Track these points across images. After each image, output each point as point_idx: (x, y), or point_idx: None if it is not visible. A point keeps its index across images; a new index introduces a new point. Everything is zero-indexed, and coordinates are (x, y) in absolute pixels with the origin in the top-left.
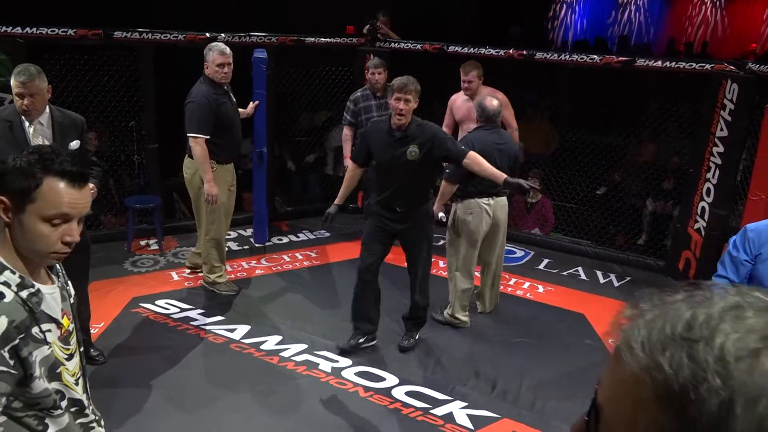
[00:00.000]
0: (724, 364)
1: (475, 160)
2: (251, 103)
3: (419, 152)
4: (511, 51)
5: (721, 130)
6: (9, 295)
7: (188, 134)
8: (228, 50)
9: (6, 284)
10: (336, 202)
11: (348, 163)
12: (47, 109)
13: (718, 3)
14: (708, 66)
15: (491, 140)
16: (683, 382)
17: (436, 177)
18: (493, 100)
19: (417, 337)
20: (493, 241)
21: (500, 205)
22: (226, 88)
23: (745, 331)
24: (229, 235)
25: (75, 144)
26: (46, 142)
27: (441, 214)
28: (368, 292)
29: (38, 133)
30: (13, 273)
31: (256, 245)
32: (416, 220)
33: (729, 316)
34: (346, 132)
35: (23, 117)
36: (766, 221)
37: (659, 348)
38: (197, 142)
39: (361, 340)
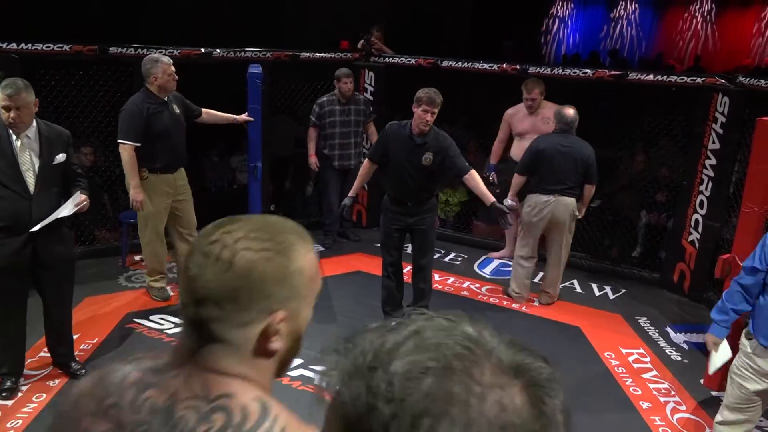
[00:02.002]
0: (392, 387)
1: (474, 177)
2: (245, 114)
3: (433, 159)
4: (504, 65)
5: (713, 143)
6: None
7: (117, 140)
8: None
9: None
10: (350, 194)
11: (313, 160)
12: (34, 123)
13: (708, 17)
14: (699, 80)
15: (557, 141)
16: (360, 411)
17: (443, 179)
18: (570, 109)
19: None
20: (551, 238)
21: (562, 204)
22: (166, 99)
23: (421, 350)
24: None
25: (61, 157)
26: (34, 156)
27: (509, 202)
28: (394, 281)
29: (25, 146)
30: None
31: None
32: (424, 212)
33: (411, 339)
34: (311, 132)
35: (10, 130)
36: None
37: (346, 379)
38: (124, 148)
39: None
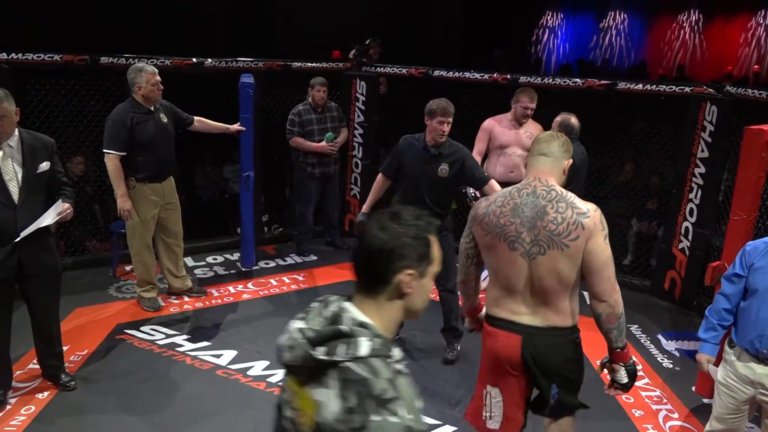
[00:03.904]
0: None
1: (494, 188)
2: (237, 124)
3: (449, 170)
4: (495, 75)
5: (702, 151)
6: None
7: (102, 149)
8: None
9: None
10: (363, 210)
11: (323, 144)
12: (16, 132)
13: (696, 27)
14: (687, 89)
15: (580, 151)
16: None
17: (457, 193)
18: (573, 117)
19: (458, 348)
20: None
21: None
22: (153, 108)
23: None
24: (216, 259)
25: (45, 166)
26: (17, 165)
27: None
28: None
29: (8, 156)
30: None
31: (243, 269)
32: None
33: None
34: (299, 139)
35: None
36: (766, 238)
37: None
38: (108, 158)
39: (396, 336)
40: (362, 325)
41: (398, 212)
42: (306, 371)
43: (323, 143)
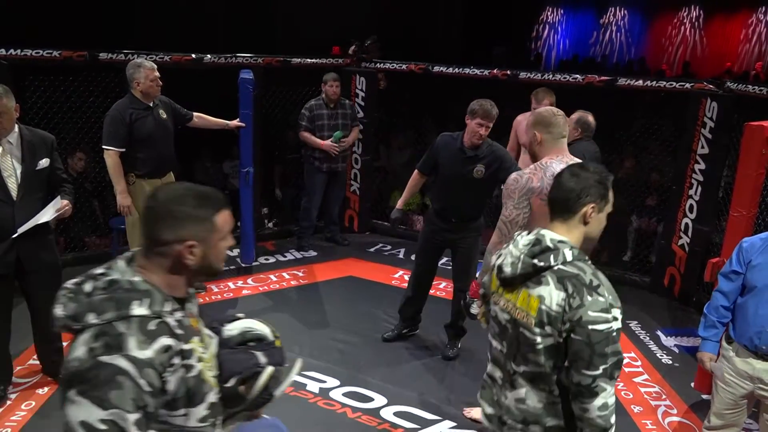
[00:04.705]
0: None
1: None
2: (236, 120)
3: (485, 172)
4: (495, 71)
5: (702, 147)
6: None
7: (102, 146)
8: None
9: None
10: (398, 207)
11: (328, 143)
12: (16, 128)
13: (696, 23)
14: (688, 85)
15: (594, 149)
16: None
17: (492, 195)
18: (590, 115)
19: (459, 345)
20: None
21: None
22: (152, 104)
23: None
24: None
25: (44, 162)
26: (16, 161)
27: None
28: (419, 293)
29: (7, 152)
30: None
31: (243, 265)
32: (468, 231)
33: None
34: (307, 133)
35: None
36: (762, 235)
37: None
38: (108, 154)
39: (405, 331)
40: (561, 241)
41: (585, 163)
42: (523, 278)
43: (329, 142)
